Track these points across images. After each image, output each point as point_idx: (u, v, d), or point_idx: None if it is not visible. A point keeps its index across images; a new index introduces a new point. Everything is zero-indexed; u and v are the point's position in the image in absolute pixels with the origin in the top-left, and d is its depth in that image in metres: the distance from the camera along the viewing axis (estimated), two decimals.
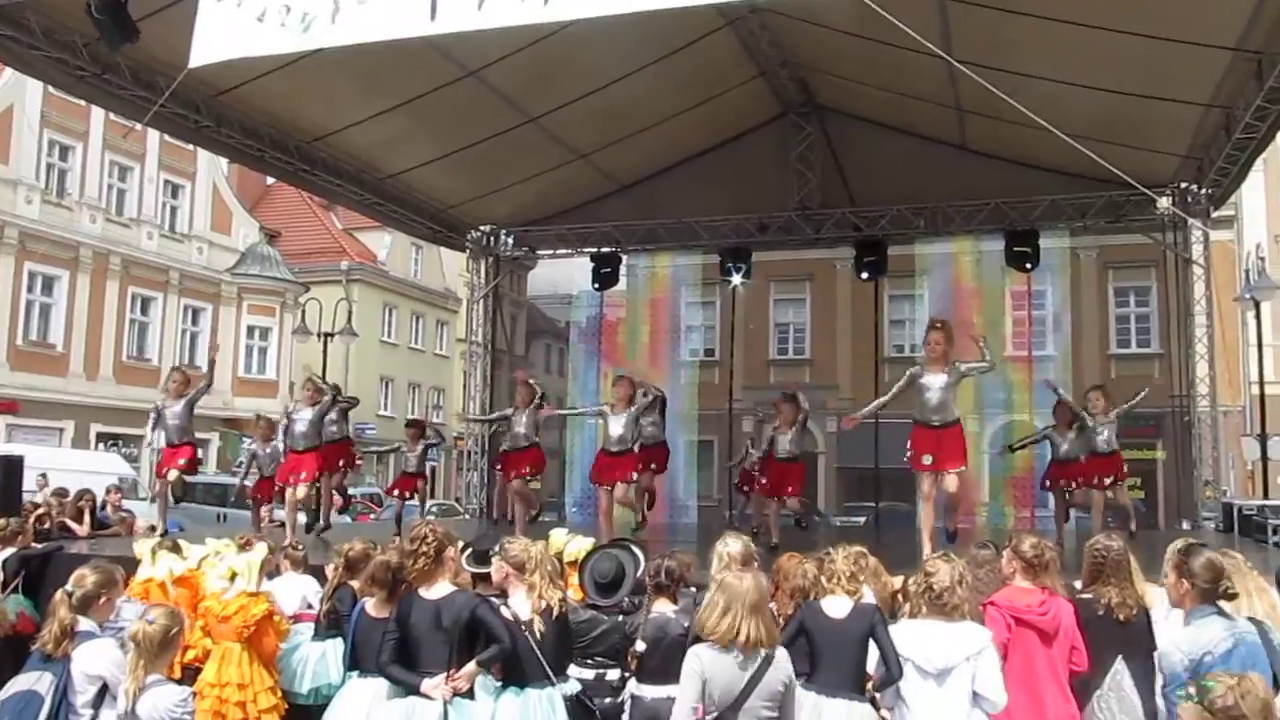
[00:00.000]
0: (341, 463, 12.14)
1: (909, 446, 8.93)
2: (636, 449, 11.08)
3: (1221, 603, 4.67)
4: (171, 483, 11.14)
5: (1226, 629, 4.52)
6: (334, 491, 12.67)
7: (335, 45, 6.93)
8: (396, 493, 13.44)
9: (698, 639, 4.77)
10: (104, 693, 4.96)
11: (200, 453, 11.59)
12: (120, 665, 4.93)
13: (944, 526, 9.16)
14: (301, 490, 11.13)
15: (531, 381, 12.09)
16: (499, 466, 12.39)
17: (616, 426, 10.71)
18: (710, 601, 4.62)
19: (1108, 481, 10.93)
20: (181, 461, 10.97)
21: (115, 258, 28.44)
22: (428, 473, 13.70)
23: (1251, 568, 5.65)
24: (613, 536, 10.22)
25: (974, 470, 14.18)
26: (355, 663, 5.65)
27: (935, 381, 8.71)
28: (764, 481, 11.63)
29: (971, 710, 4.81)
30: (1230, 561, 5.60)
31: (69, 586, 5.33)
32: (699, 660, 4.54)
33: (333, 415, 11.75)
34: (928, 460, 8.71)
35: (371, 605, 5.64)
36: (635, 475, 10.99)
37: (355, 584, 6.20)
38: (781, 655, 4.54)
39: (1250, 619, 4.73)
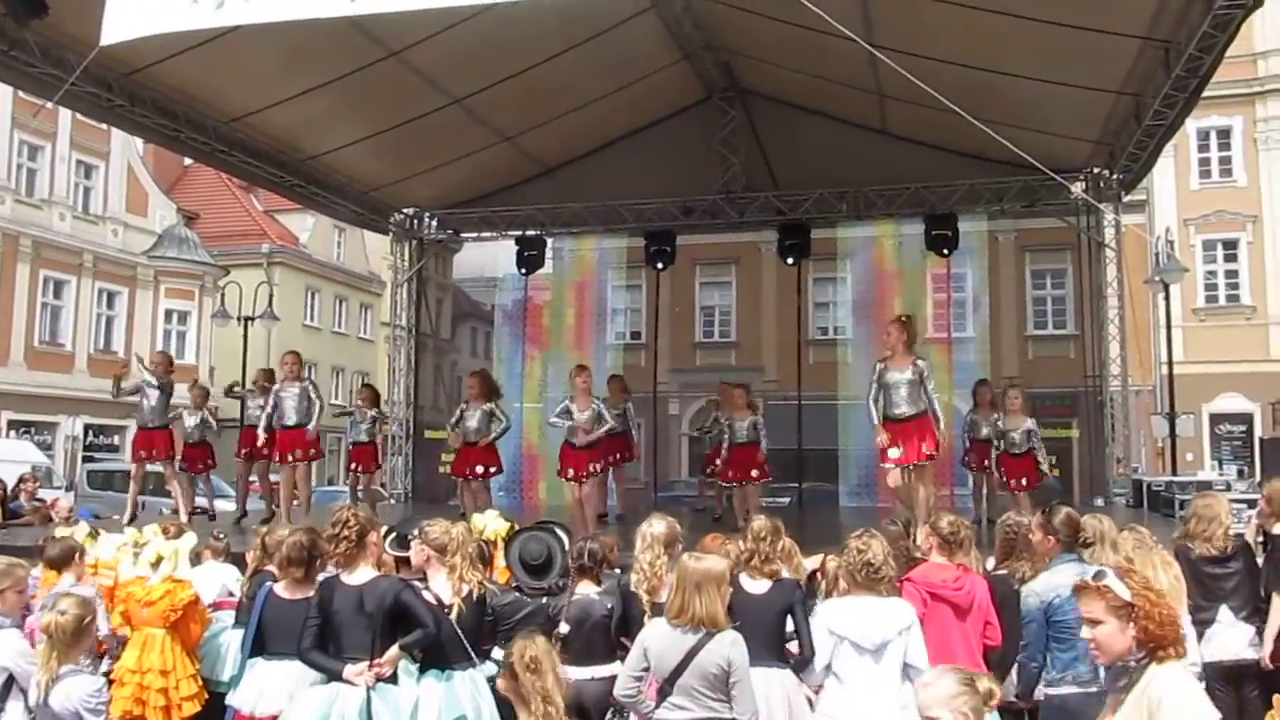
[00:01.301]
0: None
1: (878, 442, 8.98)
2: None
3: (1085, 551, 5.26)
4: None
5: (1078, 573, 4.79)
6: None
7: (250, 23, 6.82)
8: (354, 466, 12.99)
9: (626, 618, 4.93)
10: (10, 685, 4.86)
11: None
12: (26, 655, 4.85)
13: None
14: (302, 469, 11.15)
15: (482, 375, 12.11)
16: (462, 469, 11.86)
17: (581, 421, 10.73)
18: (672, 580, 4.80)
19: (1020, 484, 11.11)
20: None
21: (26, 239, 27.62)
22: (379, 443, 13.44)
23: (1157, 542, 5.88)
24: (584, 521, 10.24)
25: None
26: (260, 646, 5.55)
27: (898, 376, 8.82)
28: (726, 470, 11.76)
29: (902, 683, 4.94)
30: (1136, 536, 5.83)
31: None
32: (647, 630, 4.75)
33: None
34: (895, 454, 8.80)
35: (282, 587, 5.55)
36: (598, 467, 10.93)
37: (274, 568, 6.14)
38: (724, 639, 4.56)
39: (1105, 566, 5.07)
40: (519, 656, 4.03)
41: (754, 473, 11.34)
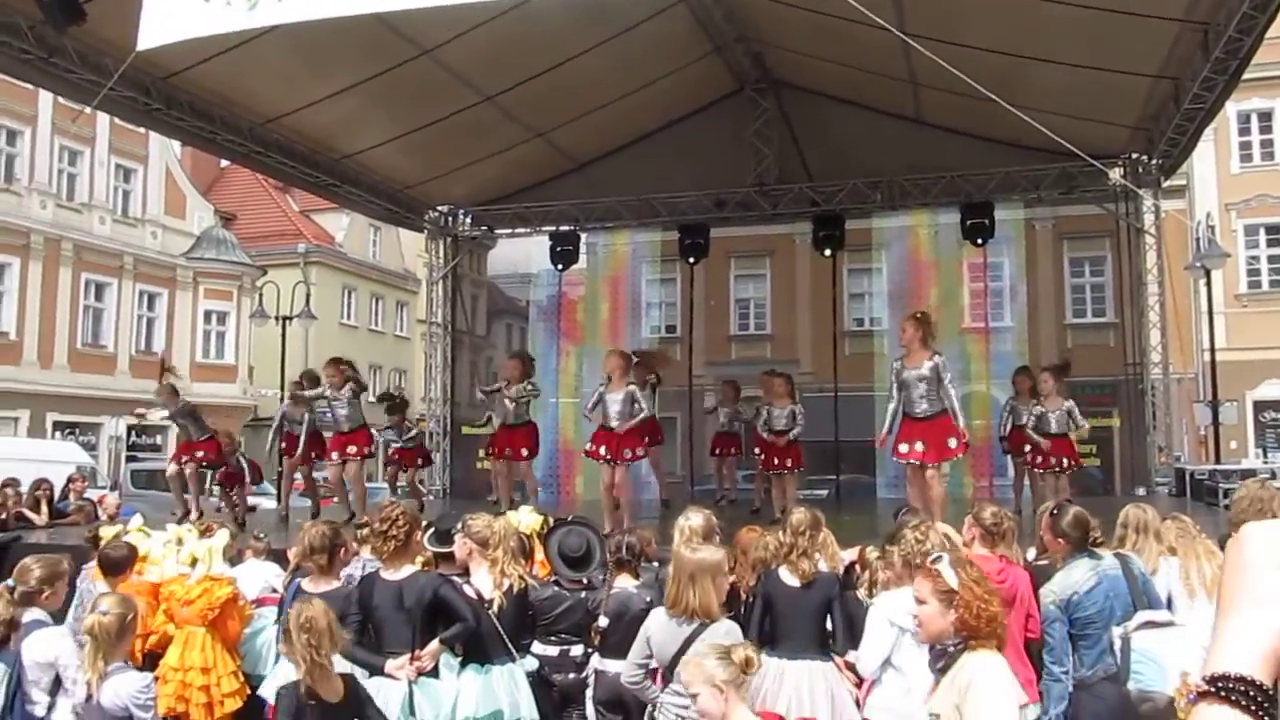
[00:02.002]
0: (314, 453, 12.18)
1: (897, 442, 8.91)
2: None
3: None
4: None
5: (1091, 569, 5.08)
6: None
7: (282, 23, 6.88)
8: (394, 457, 13.50)
9: None
10: (60, 681, 4.96)
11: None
12: (73, 653, 4.94)
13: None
14: (354, 468, 11.22)
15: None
16: (494, 448, 11.89)
17: (614, 403, 10.71)
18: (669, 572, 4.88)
19: (1063, 464, 11.04)
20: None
21: (67, 243, 27.97)
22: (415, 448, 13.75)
23: (1200, 531, 5.81)
24: (613, 510, 10.22)
25: None
26: None
27: (913, 374, 8.72)
28: (764, 459, 11.72)
29: None
30: (1179, 525, 5.77)
31: (10, 580, 5.33)
32: (650, 620, 4.83)
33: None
34: (904, 449, 8.72)
35: (308, 582, 5.67)
36: (633, 451, 10.71)
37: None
38: (718, 630, 4.60)
39: (1116, 554, 5.07)
40: (295, 618, 4.29)
41: (788, 462, 11.29)
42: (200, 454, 11.85)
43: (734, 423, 13.71)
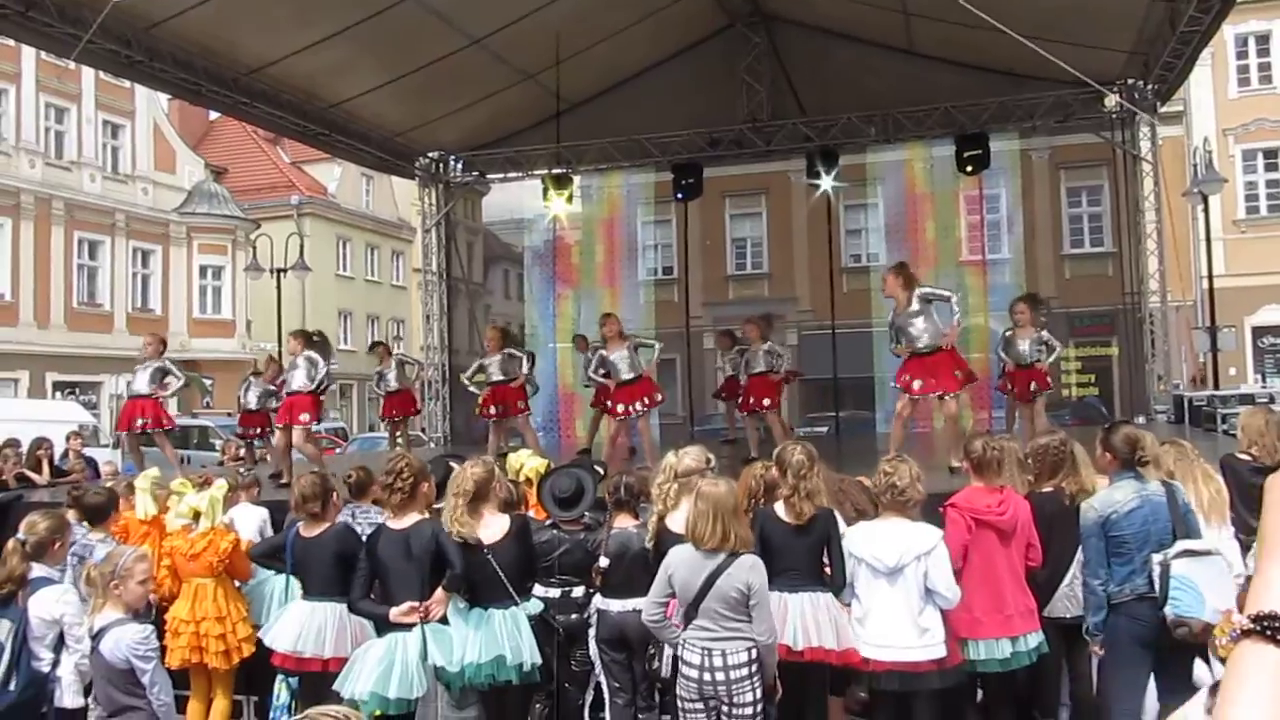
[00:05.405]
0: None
1: (902, 373, 8.96)
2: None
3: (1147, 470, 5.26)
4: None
5: (1135, 490, 5.15)
6: None
7: None
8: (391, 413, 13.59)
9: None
10: (64, 637, 5.02)
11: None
12: (76, 610, 4.98)
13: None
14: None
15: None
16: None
17: (621, 363, 10.74)
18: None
19: (1031, 389, 10.90)
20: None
21: (58, 202, 27.80)
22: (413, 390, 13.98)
23: (1198, 455, 5.82)
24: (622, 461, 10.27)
25: None
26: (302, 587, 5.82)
27: (906, 315, 8.84)
28: (744, 400, 11.65)
29: (925, 606, 4.95)
30: (1178, 449, 5.78)
31: (21, 534, 5.36)
32: (671, 556, 4.81)
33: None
34: (917, 385, 8.75)
35: (303, 526, 5.77)
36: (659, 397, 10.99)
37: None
38: (743, 562, 4.64)
39: (1163, 481, 5.19)
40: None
41: (764, 401, 11.22)
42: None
43: (735, 368, 13.76)
